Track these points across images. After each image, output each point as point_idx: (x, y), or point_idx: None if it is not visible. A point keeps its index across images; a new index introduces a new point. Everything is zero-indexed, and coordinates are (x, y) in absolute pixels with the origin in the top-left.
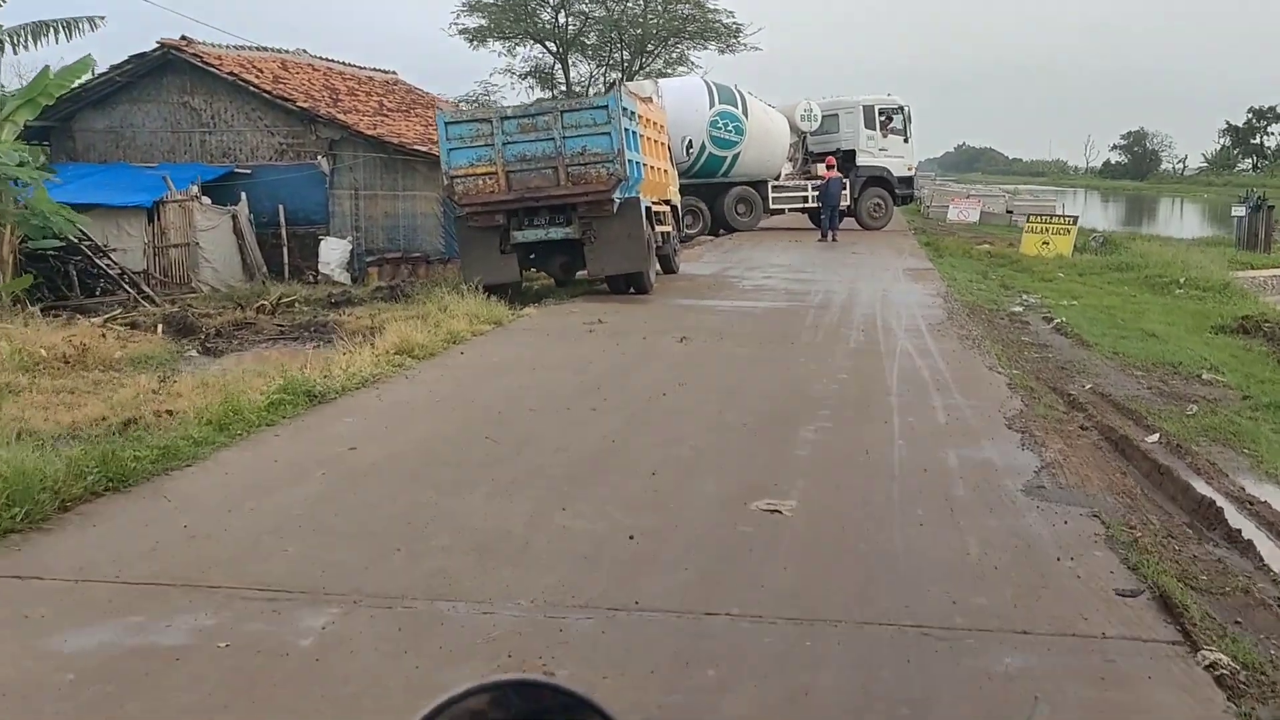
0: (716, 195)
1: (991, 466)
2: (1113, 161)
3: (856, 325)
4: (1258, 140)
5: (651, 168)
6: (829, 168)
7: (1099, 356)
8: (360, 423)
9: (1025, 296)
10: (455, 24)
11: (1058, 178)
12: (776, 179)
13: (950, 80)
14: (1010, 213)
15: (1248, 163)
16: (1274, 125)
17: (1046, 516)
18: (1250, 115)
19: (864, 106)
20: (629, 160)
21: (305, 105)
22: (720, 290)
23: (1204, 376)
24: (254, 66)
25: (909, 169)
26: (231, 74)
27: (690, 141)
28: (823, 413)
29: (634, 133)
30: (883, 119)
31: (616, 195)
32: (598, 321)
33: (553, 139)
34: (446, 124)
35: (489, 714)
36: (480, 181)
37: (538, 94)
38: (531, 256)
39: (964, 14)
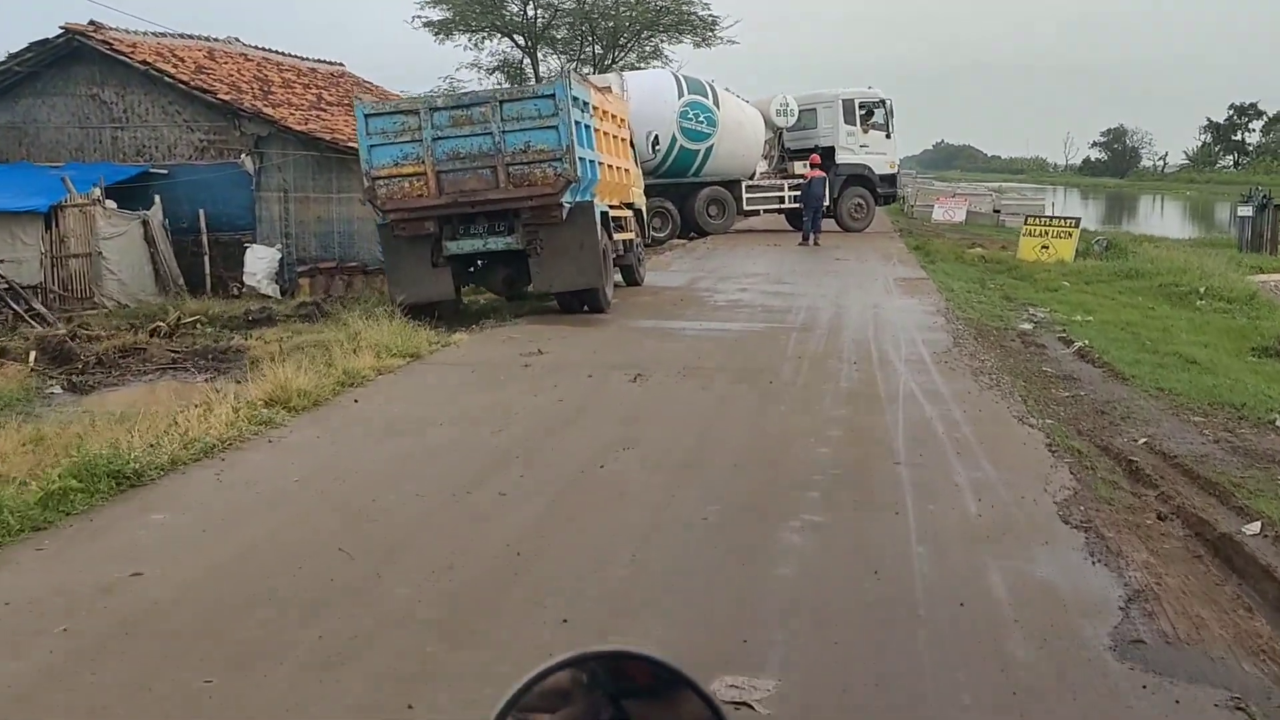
0: (687, 196)
1: (1057, 598)
2: (1092, 159)
3: (847, 355)
4: (1239, 137)
5: (609, 167)
6: (813, 166)
7: (1141, 394)
8: (172, 523)
9: (1032, 310)
10: (419, 16)
11: (1037, 175)
12: (751, 178)
13: (929, 78)
14: (998, 212)
15: (1229, 159)
16: (1255, 122)
17: (1165, 709)
18: (1231, 111)
19: (843, 100)
20: (581, 158)
21: (227, 97)
22: (688, 307)
23: (1278, 423)
24: (174, 55)
25: (891, 166)
26: (145, 63)
27: (657, 137)
28: (810, 495)
29: (587, 126)
30: (863, 113)
31: (566, 199)
32: (537, 352)
33: (490, 134)
34: (366, 116)
35: (576, 690)
36: (406, 184)
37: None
38: (470, 270)
39: (943, 11)
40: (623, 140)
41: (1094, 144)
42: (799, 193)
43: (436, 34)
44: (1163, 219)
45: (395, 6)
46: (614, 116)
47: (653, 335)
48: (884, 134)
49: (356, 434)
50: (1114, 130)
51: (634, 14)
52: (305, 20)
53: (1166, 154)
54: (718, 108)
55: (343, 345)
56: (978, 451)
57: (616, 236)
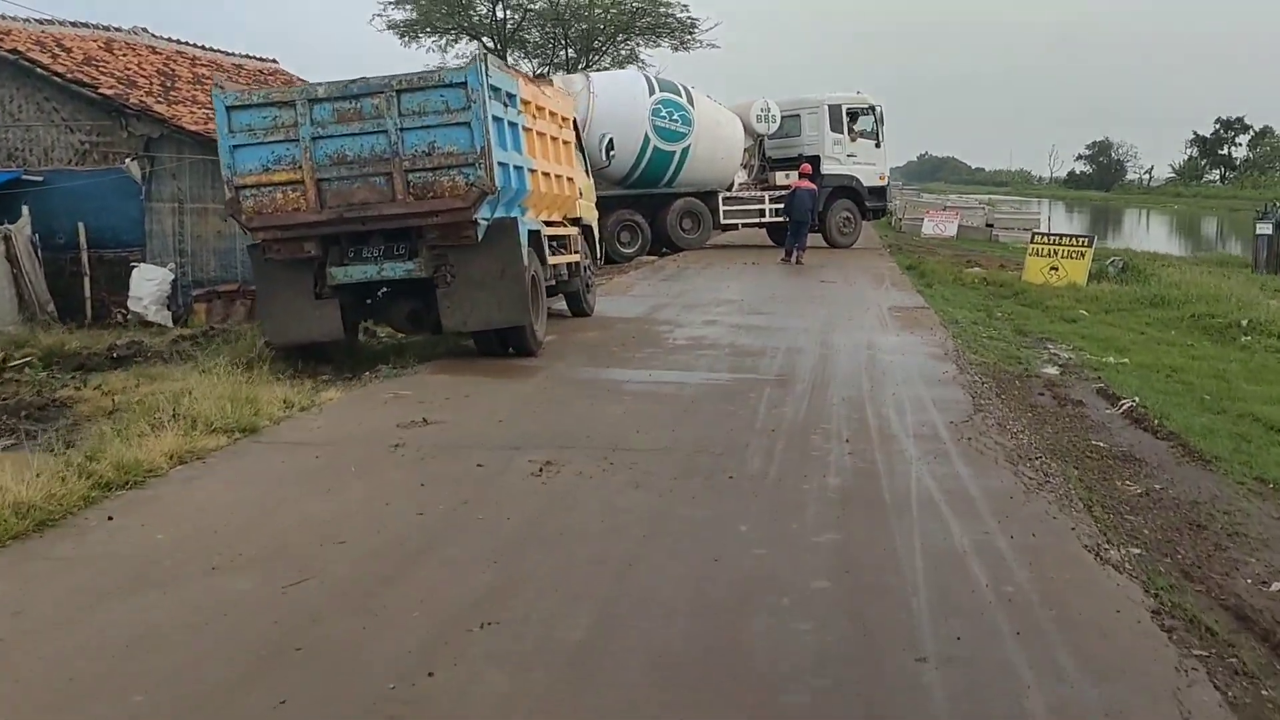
0: (659, 208)
1: None
2: (1077, 172)
3: (837, 425)
4: (1225, 151)
5: (545, 175)
6: (802, 176)
7: (1236, 488)
8: None
9: (1053, 348)
10: (382, 16)
11: (1022, 187)
12: (729, 189)
13: (912, 88)
14: (990, 226)
15: (1215, 174)
16: (1241, 136)
17: None
18: (1218, 126)
19: (829, 106)
20: (501, 164)
21: (111, 92)
22: (640, 348)
23: None
24: (59, 45)
25: (880, 178)
26: (14, 51)
27: (610, 141)
28: None
29: (513, 124)
30: (850, 120)
31: (482, 215)
32: (421, 422)
33: (385, 132)
34: (229, 109)
35: None
36: (280, 194)
37: None
38: (367, 302)
39: (926, 22)
40: (565, 144)
41: (1079, 157)
42: (782, 205)
43: (402, 36)
44: (1149, 233)
45: (361, 7)
46: (553, 114)
47: (586, 391)
48: (873, 143)
49: (66, 591)
50: (1099, 143)
51: (609, 15)
52: (268, 21)
53: (1152, 168)
54: (693, 106)
55: (154, 413)
56: (1049, 628)
57: (556, 260)
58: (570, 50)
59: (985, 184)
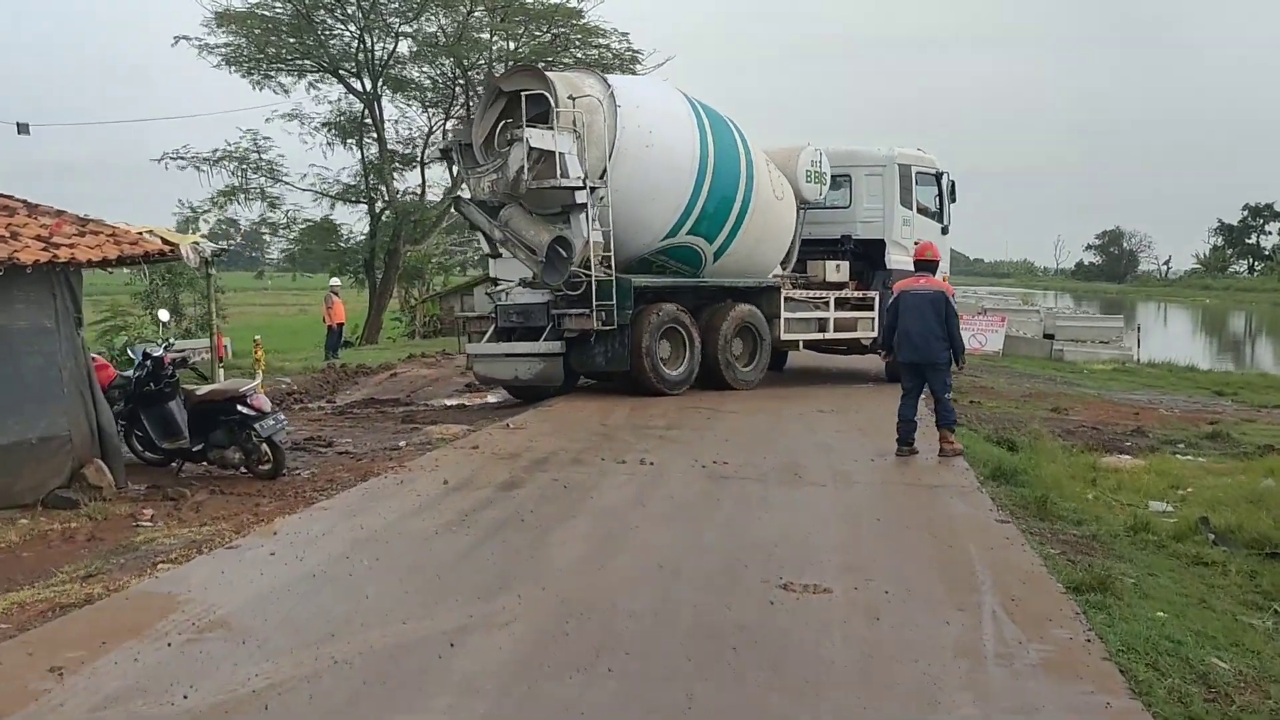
0: (703, 310)
1: None
2: (1085, 263)
3: None
4: (1254, 240)
5: None
6: (920, 266)
7: None
8: None
9: None
10: (186, 38)
11: (1026, 279)
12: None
13: None
14: (1051, 337)
15: (1243, 264)
16: (1271, 224)
17: None
18: (1245, 213)
19: (900, 165)
20: None
21: None
22: None
23: None
24: None
25: (944, 278)
26: None
27: None
28: None
29: None
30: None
31: None
32: None
33: None
34: None
35: None
36: None
37: (339, 152)
38: None
39: (920, 113)
40: None
41: (1088, 247)
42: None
43: (247, 74)
44: (1177, 333)
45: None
46: None
47: None
48: (938, 224)
49: None
50: (1109, 233)
51: (520, 47)
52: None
53: (1170, 258)
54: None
55: None
56: None
57: None
58: (471, 93)
59: (986, 275)
